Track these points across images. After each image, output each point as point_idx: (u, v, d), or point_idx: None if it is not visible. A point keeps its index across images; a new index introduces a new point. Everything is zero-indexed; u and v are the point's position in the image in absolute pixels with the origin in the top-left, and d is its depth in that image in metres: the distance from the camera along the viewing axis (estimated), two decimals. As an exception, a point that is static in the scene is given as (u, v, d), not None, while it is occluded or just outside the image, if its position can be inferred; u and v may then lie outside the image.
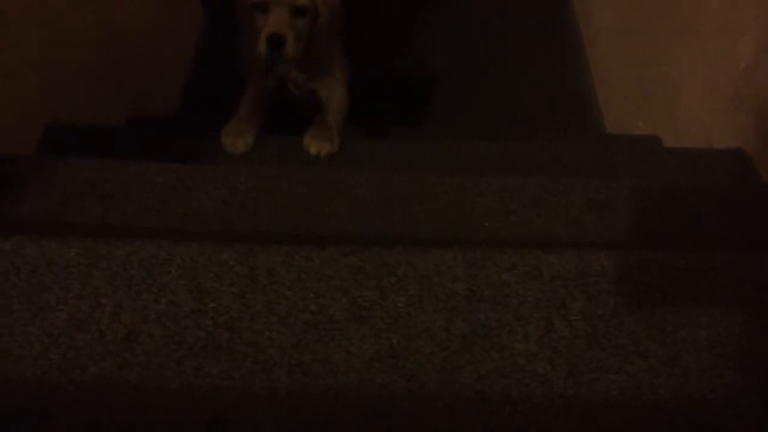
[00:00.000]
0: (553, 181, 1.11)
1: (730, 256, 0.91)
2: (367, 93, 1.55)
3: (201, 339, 0.79)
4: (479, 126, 2.04)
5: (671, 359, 0.80)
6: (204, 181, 1.10)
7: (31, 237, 0.85)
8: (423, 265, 0.84)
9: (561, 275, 0.84)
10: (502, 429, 0.76)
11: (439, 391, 0.78)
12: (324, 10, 1.30)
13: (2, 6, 1.19)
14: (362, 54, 1.55)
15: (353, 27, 1.45)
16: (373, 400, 0.77)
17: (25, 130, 1.30)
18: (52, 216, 1.03)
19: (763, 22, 1.24)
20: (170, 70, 2.09)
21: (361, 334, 0.79)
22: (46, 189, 1.06)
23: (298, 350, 0.79)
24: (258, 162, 1.30)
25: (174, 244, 0.85)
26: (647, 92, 1.73)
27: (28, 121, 1.31)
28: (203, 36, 2.29)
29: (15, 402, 0.77)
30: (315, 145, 1.31)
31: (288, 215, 1.06)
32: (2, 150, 1.19)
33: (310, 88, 1.47)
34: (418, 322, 0.80)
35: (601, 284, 0.84)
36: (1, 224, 1.01)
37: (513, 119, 2.10)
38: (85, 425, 0.76)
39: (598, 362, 0.79)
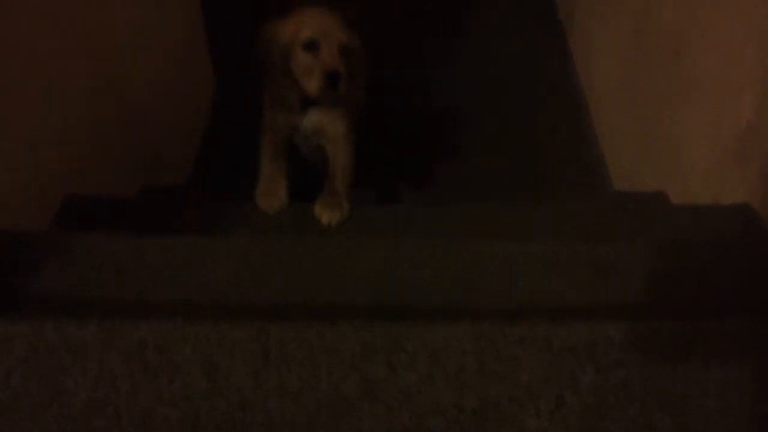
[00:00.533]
0: (562, 246, 1.12)
1: (739, 322, 0.91)
2: (374, 152, 1.58)
3: (215, 419, 0.80)
4: (483, 187, 2.06)
5: (682, 430, 0.79)
6: (217, 252, 1.12)
7: (50, 319, 0.86)
8: (433, 340, 0.85)
9: (571, 347, 0.84)
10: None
11: (452, 469, 0.78)
12: (357, 60, 1.37)
13: (21, 79, 1.24)
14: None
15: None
16: (387, 478, 0.77)
17: (41, 204, 1.34)
18: (70, 291, 1.05)
19: (762, 80, 1.26)
20: (183, 137, 2.14)
21: (373, 412, 0.80)
22: (62, 264, 1.08)
23: (311, 429, 0.80)
24: (269, 231, 1.33)
25: (188, 323, 0.86)
26: (652, 149, 1.75)
27: (45, 194, 1.34)
28: (216, 103, 2.35)
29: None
30: (326, 215, 1.33)
31: (300, 286, 1.08)
32: (19, 222, 1.23)
33: (317, 144, 1.51)
34: (429, 399, 0.81)
35: (611, 355, 0.84)
36: (19, 302, 1.03)
37: (519, 179, 2.12)
38: None
39: (609, 435, 0.79)
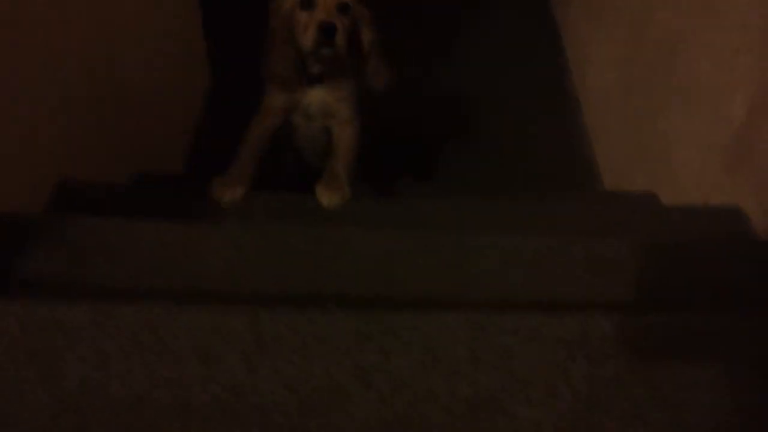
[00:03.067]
0: (553, 240, 1.13)
1: (729, 317, 0.92)
2: (372, 147, 1.59)
3: (207, 404, 0.80)
4: (478, 183, 2.08)
5: (673, 423, 0.80)
6: (211, 239, 1.12)
7: (42, 300, 0.86)
8: (426, 329, 0.86)
9: (563, 338, 0.85)
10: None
11: (444, 457, 0.78)
12: (362, 23, 1.37)
13: (16, 66, 1.23)
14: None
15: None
16: (379, 465, 0.78)
17: (35, 188, 1.33)
18: (62, 275, 1.04)
19: (753, 83, 1.28)
20: (178, 125, 2.14)
21: (366, 399, 0.80)
22: (55, 247, 1.07)
23: (303, 415, 0.80)
24: (264, 220, 1.33)
25: (182, 308, 0.86)
26: (644, 149, 1.76)
27: (38, 179, 1.34)
28: (211, 91, 2.35)
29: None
30: (326, 196, 1.32)
31: (293, 274, 1.08)
32: (13, 208, 1.22)
33: (320, 126, 1.50)
34: (422, 386, 0.81)
35: (603, 348, 0.85)
36: (11, 284, 1.02)
37: (512, 177, 2.14)
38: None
39: (601, 427, 0.80)
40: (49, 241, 1.08)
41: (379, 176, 1.61)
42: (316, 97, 1.45)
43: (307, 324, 0.86)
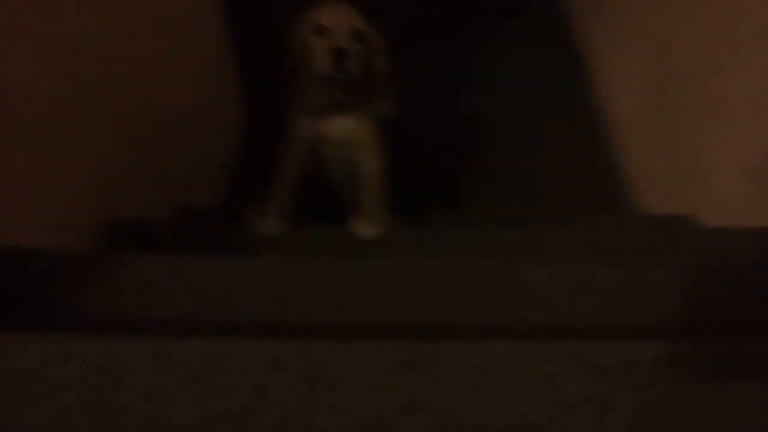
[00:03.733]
0: (595, 268, 1.14)
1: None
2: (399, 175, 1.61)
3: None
4: (511, 209, 2.09)
5: (723, 449, 0.81)
6: (254, 273, 1.16)
7: (104, 337, 0.90)
8: (472, 357, 0.87)
9: (608, 366, 0.86)
10: None
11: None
12: (376, 51, 1.40)
13: (58, 104, 1.28)
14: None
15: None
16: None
17: (77, 227, 1.37)
18: (115, 312, 1.08)
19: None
20: (216, 159, 2.19)
21: (416, 428, 0.82)
22: (106, 285, 1.12)
23: (357, 443, 0.82)
24: (303, 252, 1.36)
25: (237, 342, 0.89)
26: (679, 172, 1.76)
27: (78, 217, 1.38)
28: (247, 127, 2.40)
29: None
30: (364, 228, 1.35)
31: (337, 306, 1.10)
32: (62, 244, 1.27)
33: (346, 156, 1.53)
34: (471, 414, 0.83)
35: (649, 374, 0.86)
36: (68, 323, 1.06)
37: (546, 200, 2.15)
38: None
39: (649, 453, 0.81)
40: (100, 279, 1.12)
41: (408, 204, 1.64)
42: (339, 125, 1.49)
43: (357, 354, 0.89)
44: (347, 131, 1.49)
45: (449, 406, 0.84)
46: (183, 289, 1.13)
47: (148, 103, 1.65)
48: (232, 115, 2.37)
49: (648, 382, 0.86)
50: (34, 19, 1.19)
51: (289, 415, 0.84)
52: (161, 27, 1.70)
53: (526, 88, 2.64)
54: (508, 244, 1.33)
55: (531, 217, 1.64)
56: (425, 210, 1.66)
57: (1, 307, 1.05)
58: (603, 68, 2.50)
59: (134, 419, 0.83)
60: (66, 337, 0.90)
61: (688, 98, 1.70)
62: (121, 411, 0.84)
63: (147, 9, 1.60)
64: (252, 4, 2.76)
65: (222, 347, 0.88)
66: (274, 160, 1.52)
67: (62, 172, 1.31)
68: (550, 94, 2.60)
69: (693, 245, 1.38)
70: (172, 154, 1.79)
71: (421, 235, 1.40)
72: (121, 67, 1.51)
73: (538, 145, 2.38)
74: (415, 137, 2.22)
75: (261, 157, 1.63)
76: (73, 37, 1.31)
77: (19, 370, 0.87)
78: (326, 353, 0.88)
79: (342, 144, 1.52)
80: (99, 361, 0.87)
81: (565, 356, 0.88)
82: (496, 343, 0.89)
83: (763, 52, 1.37)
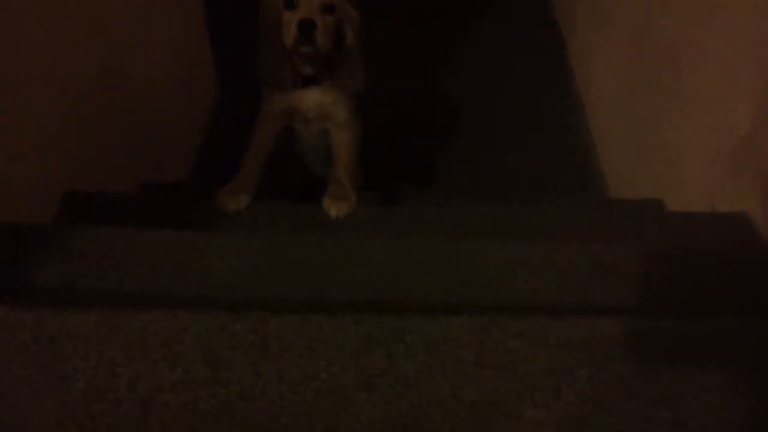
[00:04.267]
0: (559, 246, 1.13)
1: (735, 321, 0.92)
2: (375, 152, 1.59)
3: (215, 407, 0.81)
4: (483, 189, 2.09)
5: (678, 425, 0.80)
6: (217, 248, 1.13)
7: (52, 308, 0.87)
8: (431, 332, 0.86)
9: (568, 342, 0.86)
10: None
11: (449, 459, 0.78)
12: (348, 24, 1.37)
13: (24, 75, 1.25)
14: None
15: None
16: (384, 468, 0.78)
17: (42, 199, 1.35)
18: (70, 284, 1.06)
19: (758, 90, 1.28)
20: (185, 135, 2.16)
21: (371, 402, 0.81)
22: (63, 257, 1.09)
23: (309, 418, 0.80)
24: (270, 228, 1.34)
25: (189, 314, 0.87)
26: (649, 156, 1.77)
27: (46, 189, 1.35)
28: (217, 101, 2.37)
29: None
30: (334, 207, 1.34)
31: (300, 281, 1.09)
32: (20, 218, 1.23)
33: (318, 131, 1.51)
34: (427, 389, 0.82)
35: (608, 351, 0.85)
36: (20, 293, 1.04)
37: (517, 182, 2.15)
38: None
39: (605, 428, 0.80)
40: (57, 251, 1.09)
41: (381, 183, 1.62)
42: (311, 98, 1.45)
43: (313, 329, 0.87)
44: (319, 104, 1.46)
45: (405, 380, 0.83)
46: (141, 263, 1.10)
47: (116, 76, 1.61)
48: (205, 90, 2.33)
49: (607, 358, 0.86)
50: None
51: (240, 389, 0.82)
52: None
53: (505, 69, 2.63)
54: (474, 221, 1.31)
55: (500, 197, 1.63)
56: (395, 188, 1.65)
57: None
58: (583, 52, 2.50)
59: (77, 392, 0.81)
60: (12, 306, 0.87)
61: (660, 81, 1.70)
62: (64, 383, 0.81)
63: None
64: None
65: (171, 320, 0.86)
66: (245, 136, 1.49)
67: (25, 145, 1.27)
68: (528, 82, 2.60)
69: (660, 229, 1.37)
70: (140, 129, 1.76)
71: (390, 212, 1.39)
72: (92, 36, 1.48)
73: (518, 127, 2.38)
74: (388, 115, 2.20)
75: (232, 132, 1.60)
76: (44, 4, 1.28)
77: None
78: (279, 327, 0.86)
79: (314, 118, 1.49)
80: (44, 332, 0.85)
81: (524, 331, 0.87)
82: (454, 318, 0.88)
83: (732, 39, 1.36)
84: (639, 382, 0.83)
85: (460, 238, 1.18)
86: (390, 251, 1.12)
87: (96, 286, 1.05)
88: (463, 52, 2.71)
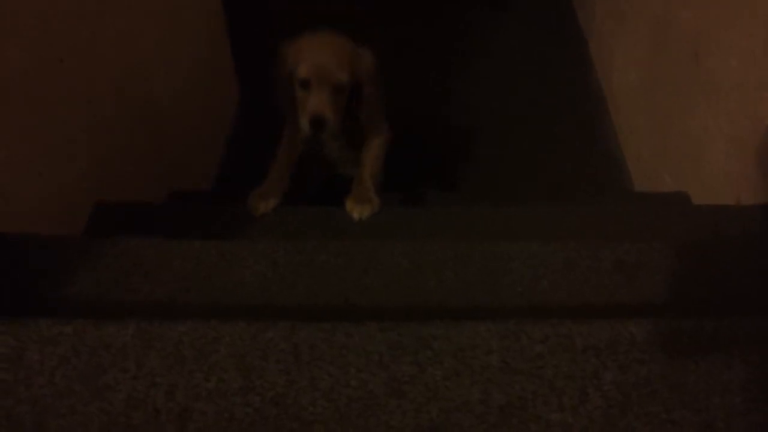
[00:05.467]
0: (582, 246, 1.14)
1: (759, 321, 0.92)
2: (399, 155, 1.61)
3: (249, 415, 0.83)
4: (507, 187, 2.09)
5: (705, 426, 0.81)
6: (244, 256, 1.16)
7: (91, 321, 0.90)
8: (458, 339, 0.88)
9: (593, 345, 0.87)
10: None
11: (479, 463, 0.80)
12: (366, 82, 1.39)
13: (52, 90, 1.28)
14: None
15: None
16: (415, 472, 0.80)
17: (73, 211, 1.38)
18: (102, 295, 1.09)
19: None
20: (209, 144, 2.19)
21: (401, 408, 0.83)
22: (94, 269, 1.12)
23: (341, 425, 0.82)
24: (295, 235, 1.36)
25: (222, 324, 0.90)
26: (672, 148, 1.76)
27: (76, 201, 1.39)
28: (241, 110, 2.39)
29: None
30: (357, 210, 1.36)
31: (326, 287, 1.11)
32: (52, 231, 1.27)
33: (347, 156, 1.54)
34: (455, 395, 0.83)
35: (632, 353, 0.86)
36: (56, 306, 1.07)
37: (541, 179, 2.14)
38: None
39: (632, 430, 0.81)
40: (88, 263, 1.13)
41: (405, 185, 1.63)
42: (333, 146, 1.53)
43: (342, 337, 0.89)
44: (341, 147, 1.52)
45: (434, 386, 0.85)
46: (169, 271, 1.13)
47: (140, 87, 1.64)
48: (227, 99, 2.36)
49: (633, 360, 0.86)
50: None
51: (274, 396, 0.85)
52: (158, 10, 1.69)
53: (524, 69, 2.62)
54: (497, 222, 1.32)
55: (523, 196, 1.63)
56: (417, 189, 1.66)
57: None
58: (602, 47, 2.49)
59: (117, 402, 0.83)
60: (54, 320, 0.91)
61: (682, 72, 1.69)
62: (105, 393, 0.84)
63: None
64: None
65: (206, 330, 0.89)
66: (268, 143, 1.51)
67: (55, 159, 1.31)
68: (549, 75, 2.59)
69: (685, 223, 1.37)
70: (165, 140, 1.79)
71: (411, 215, 1.41)
72: (117, 51, 1.51)
73: (541, 124, 2.37)
74: (411, 122, 2.21)
75: (256, 140, 1.63)
76: (68, 19, 1.31)
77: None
78: (310, 335, 0.89)
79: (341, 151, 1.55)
80: (84, 344, 0.88)
81: (550, 336, 0.88)
82: (480, 325, 0.89)
83: (753, 30, 1.35)
84: (664, 384, 0.84)
85: (485, 240, 1.19)
86: (413, 255, 1.14)
87: (128, 298, 1.09)
88: (481, 49, 2.71)
